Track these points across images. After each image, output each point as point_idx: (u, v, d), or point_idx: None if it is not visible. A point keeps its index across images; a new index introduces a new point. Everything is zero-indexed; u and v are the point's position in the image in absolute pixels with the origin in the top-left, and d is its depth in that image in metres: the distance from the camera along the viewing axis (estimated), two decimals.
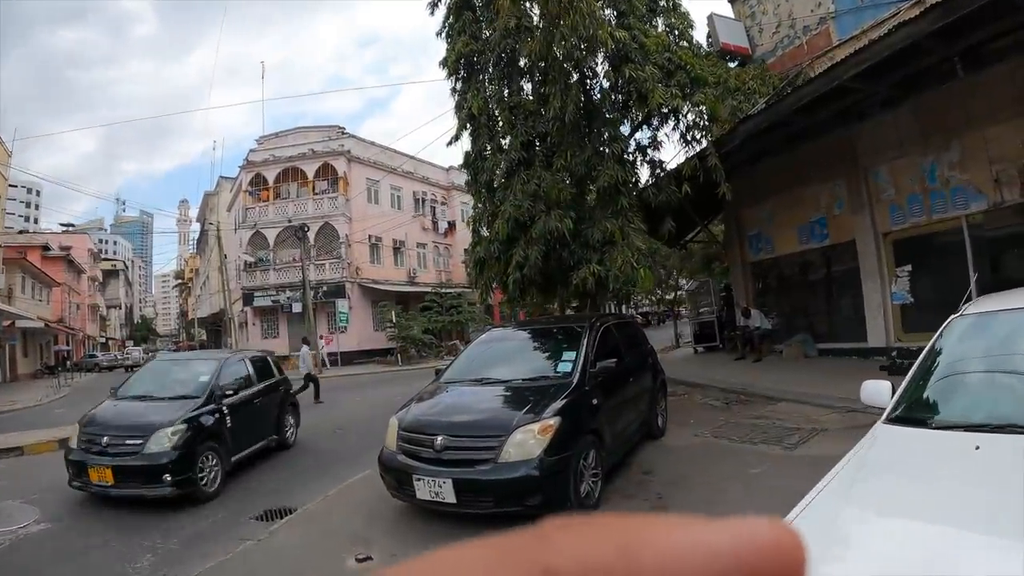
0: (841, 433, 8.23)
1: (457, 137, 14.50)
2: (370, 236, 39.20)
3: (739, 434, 9.28)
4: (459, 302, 39.13)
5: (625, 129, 13.80)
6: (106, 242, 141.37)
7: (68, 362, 49.59)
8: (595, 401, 6.97)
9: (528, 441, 5.95)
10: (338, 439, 12.44)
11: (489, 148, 13.93)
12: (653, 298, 39.15)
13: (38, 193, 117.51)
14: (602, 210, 12.26)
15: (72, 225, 69.47)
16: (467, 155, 14.34)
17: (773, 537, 0.31)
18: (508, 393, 7.07)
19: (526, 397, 6.71)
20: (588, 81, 13.08)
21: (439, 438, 6.23)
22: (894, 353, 12.57)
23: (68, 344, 57.27)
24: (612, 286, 11.99)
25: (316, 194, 39.19)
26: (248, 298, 39.59)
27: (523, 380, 7.28)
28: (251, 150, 41.44)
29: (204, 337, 61.78)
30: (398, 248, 42.36)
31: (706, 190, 12.75)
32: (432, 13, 14.51)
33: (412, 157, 40.51)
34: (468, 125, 13.89)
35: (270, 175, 39.95)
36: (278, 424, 11.16)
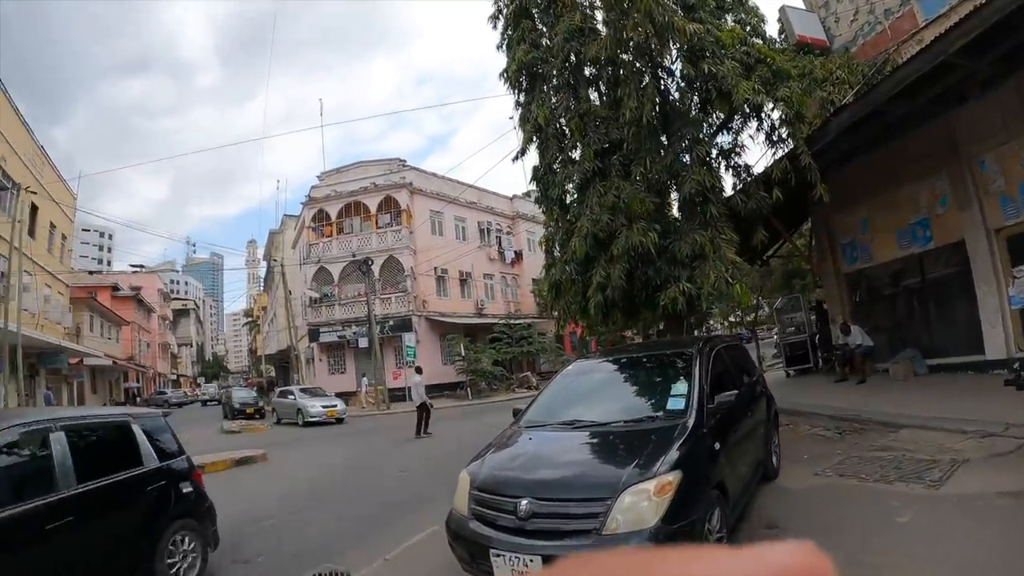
0: (986, 464, 7.18)
1: (523, 152, 13.99)
2: (436, 268, 39.11)
3: (867, 470, 8.02)
4: (529, 332, 38.62)
5: (706, 131, 13.00)
6: (177, 283, 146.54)
7: (137, 399, 50.88)
8: (716, 445, 5.65)
9: (640, 505, 4.64)
10: (402, 483, 11.34)
11: (559, 160, 13.35)
12: (730, 319, 37.91)
13: (110, 237, 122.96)
14: (688, 221, 11.51)
15: (142, 266, 71.64)
16: (535, 169, 13.79)
17: (800, 563, 0.30)
18: (608, 440, 5.79)
19: (632, 445, 5.44)
20: (663, 80, 12.39)
21: (523, 501, 4.86)
22: (1016, 365, 11.23)
23: (138, 381, 59.35)
24: (704, 305, 11.12)
25: (379, 227, 39.37)
26: (314, 334, 39.82)
27: (625, 422, 5.95)
28: (313, 186, 42.02)
29: (273, 374, 62.61)
30: (464, 279, 42.16)
31: (794, 196, 11.86)
32: (495, 26, 14.24)
33: (474, 187, 40.34)
34: (534, 138, 13.41)
35: (332, 210, 40.35)
36: None
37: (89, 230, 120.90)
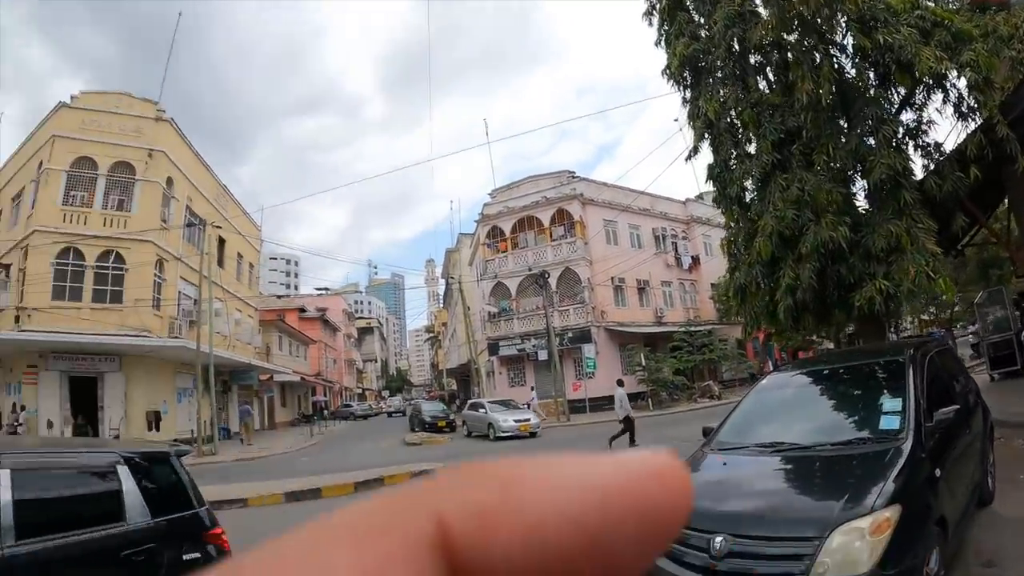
0: None
1: (695, 150, 13.67)
2: (612, 278, 39.10)
3: None
4: (710, 339, 37.74)
5: (888, 109, 11.90)
6: (361, 303, 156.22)
7: (325, 411, 54.63)
8: (936, 471, 4.81)
9: (853, 546, 3.96)
10: None
11: (734, 156, 12.88)
12: (921, 317, 35.28)
13: (296, 264, 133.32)
14: (880, 211, 10.75)
15: (327, 289, 77.00)
16: (710, 167, 13.42)
17: (658, 467, 0.32)
18: (812, 466, 5.08)
19: (840, 472, 4.80)
20: (835, 57, 11.63)
21: (718, 538, 4.25)
22: None
23: (325, 395, 64.40)
24: (905, 303, 10.42)
25: (553, 240, 39.95)
26: (494, 348, 40.99)
27: (831, 445, 5.20)
28: (485, 204, 43.39)
29: (455, 387, 64.91)
30: (642, 288, 41.84)
31: (987, 174, 10.82)
32: (650, 23, 14.11)
33: (646, 193, 40.01)
34: (706, 134, 13.11)
35: (506, 226, 41.46)
36: None
37: (276, 258, 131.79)
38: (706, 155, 13.61)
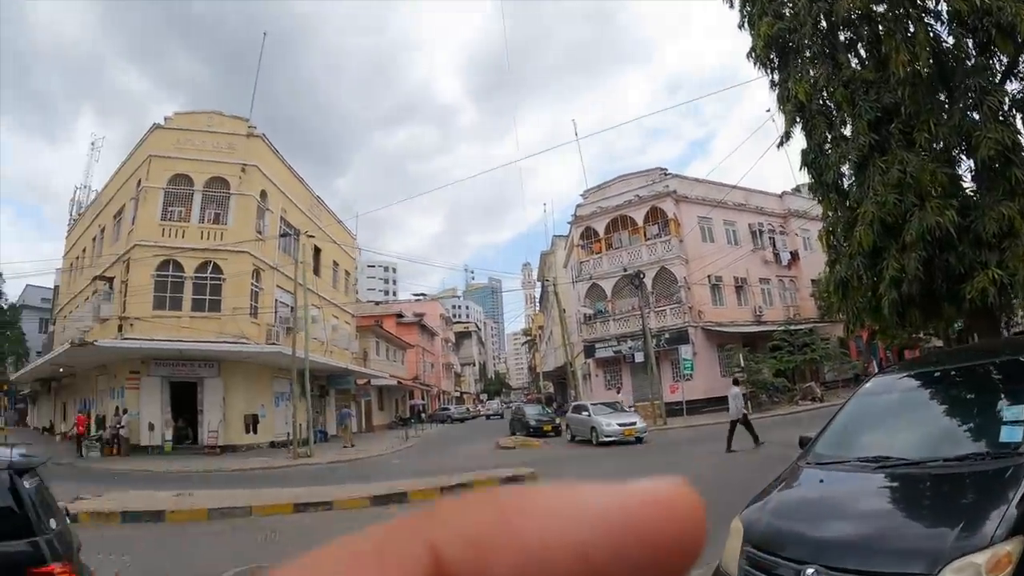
0: None
1: (787, 136, 12.82)
2: (709, 276, 37.94)
3: None
4: (811, 338, 35.96)
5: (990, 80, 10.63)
6: (459, 307, 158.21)
7: (422, 415, 55.33)
8: None
9: None
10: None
11: (829, 139, 12.07)
12: None
13: (394, 271, 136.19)
14: (989, 192, 9.74)
15: (424, 295, 78.31)
16: (804, 153, 12.54)
17: (667, 497, 0.31)
18: (921, 486, 4.23)
19: (954, 494, 3.98)
20: (930, 26, 10.56)
21: (809, 570, 3.57)
22: None
23: (423, 398, 65.43)
24: (1021, 294, 9.42)
25: (648, 239, 39.23)
26: (590, 350, 40.67)
27: (944, 461, 4.25)
28: (578, 205, 43.13)
29: (551, 390, 64.77)
30: (740, 286, 40.46)
31: None
32: (731, 5, 13.43)
33: (740, 187, 38.68)
34: (797, 118, 12.27)
35: (599, 226, 41.03)
36: None
37: (375, 266, 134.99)
38: (799, 141, 12.78)
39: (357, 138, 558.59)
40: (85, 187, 46.78)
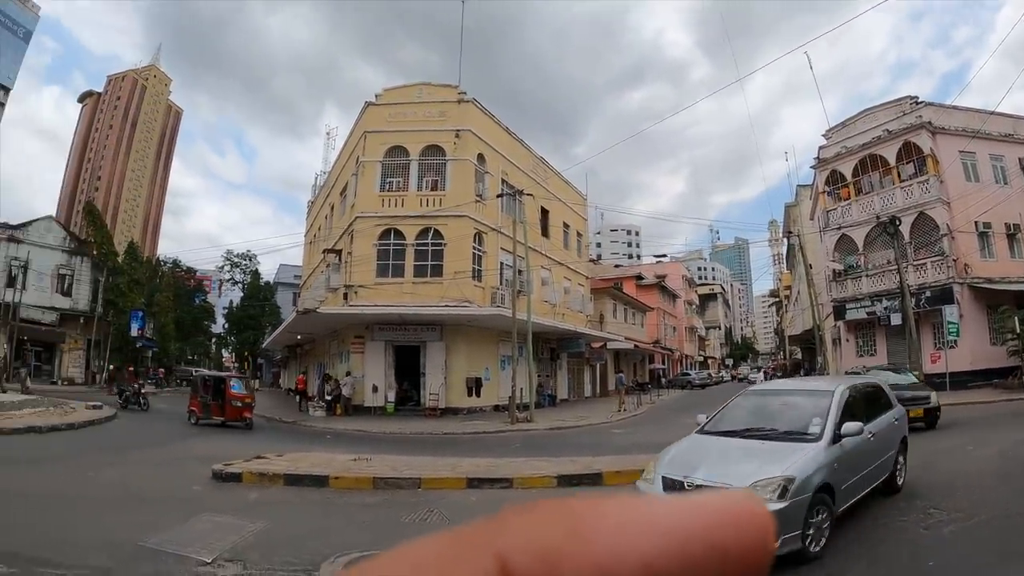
0: None
1: None
2: (976, 223, 33.55)
3: None
4: None
5: None
6: (704, 269, 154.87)
7: (662, 379, 54.84)
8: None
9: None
10: (984, 495, 9.35)
11: None
12: None
13: (637, 234, 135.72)
14: None
15: (665, 255, 77.56)
16: None
17: (735, 509, 0.31)
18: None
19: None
20: None
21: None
22: None
23: (663, 363, 65.22)
24: None
25: (901, 181, 35.70)
26: (839, 311, 38.29)
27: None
28: (820, 147, 40.46)
29: (799, 356, 61.71)
30: (1012, 234, 34.69)
31: None
32: None
33: (1005, 115, 33.47)
34: None
35: (846, 169, 38.18)
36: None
37: (617, 229, 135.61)
38: None
39: (591, 105, 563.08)
40: (322, 173, 51.99)
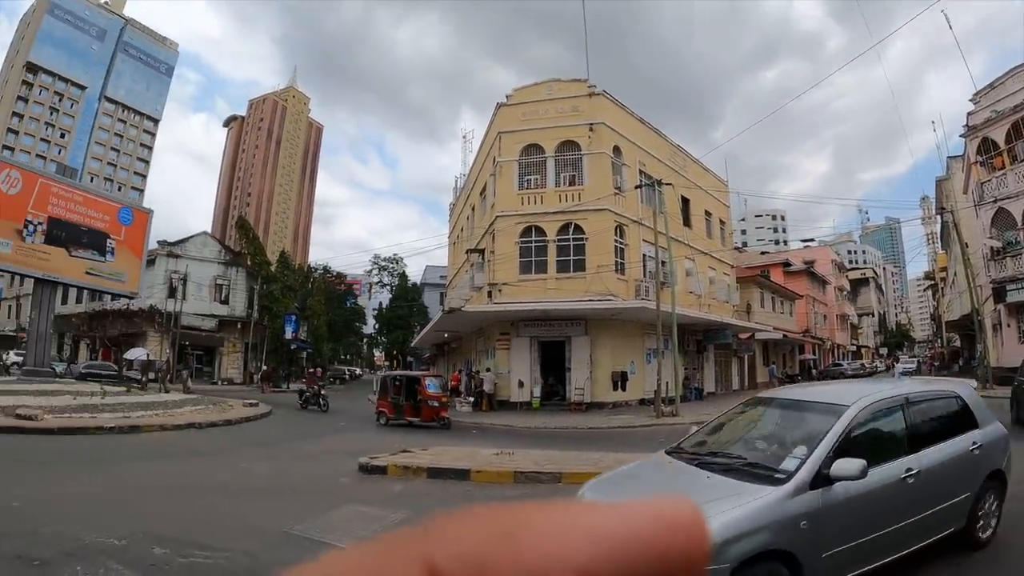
0: None
1: None
2: None
3: None
4: None
5: None
6: (854, 252, 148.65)
7: (813, 371, 53.61)
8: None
9: None
10: None
11: None
12: None
13: (782, 219, 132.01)
14: None
15: (812, 240, 75.42)
16: None
17: (670, 516, 0.31)
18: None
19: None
20: None
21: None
22: None
23: (814, 353, 64.05)
24: None
25: None
26: (999, 293, 35.94)
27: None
28: (968, 113, 38.53)
29: (957, 343, 58.56)
30: None
31: None
32: None
33: None
34: None
35: (998, 136, 35.88)
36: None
37: (762, 215, 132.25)
38: None
39: (725, 87, 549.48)
40: (462, 175, 54.12)
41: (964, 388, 7.35)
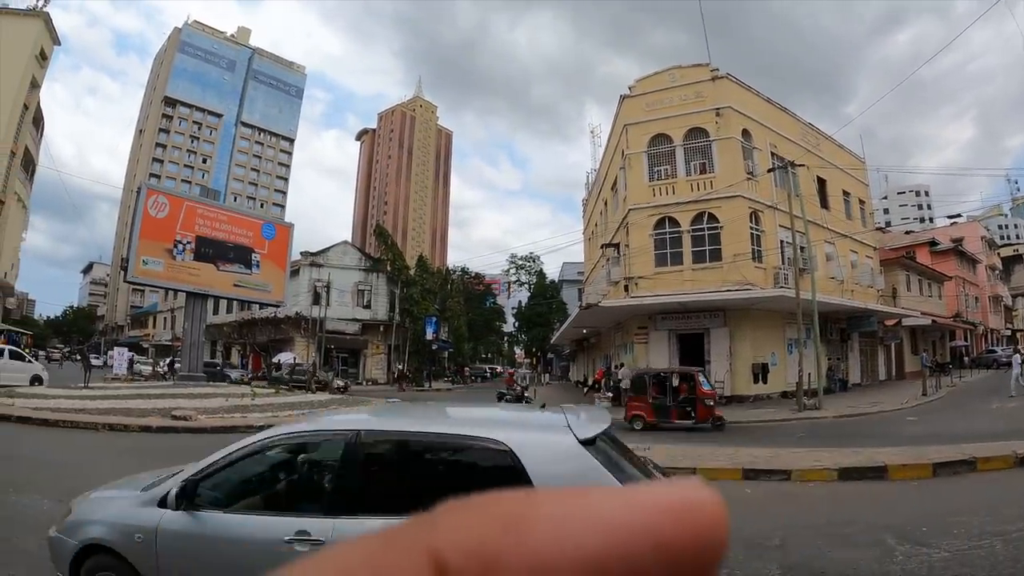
0: None
1: None
2: None
3: None
4: None
5: None
6: (1004, 227, 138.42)
7: (964, 358, 50.28)
8: None
9: None
10: None
11: None
12: None
13: (927, 194, 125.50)
14: None
15: (959, 215, 71.05)
16: None
17: (685, 501, 0.30)
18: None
19: None
20: None
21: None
22: None
23: (966, 339, 60.18)
24: None
25: None
26: None
27: None
28: None
29: None
30: None
31: None
32: None
33: None
34: None
35: None
36: None
37: (904, 192, 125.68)
38: None
39: (853, 57, 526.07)
40: (592, 171, 54.49)
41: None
